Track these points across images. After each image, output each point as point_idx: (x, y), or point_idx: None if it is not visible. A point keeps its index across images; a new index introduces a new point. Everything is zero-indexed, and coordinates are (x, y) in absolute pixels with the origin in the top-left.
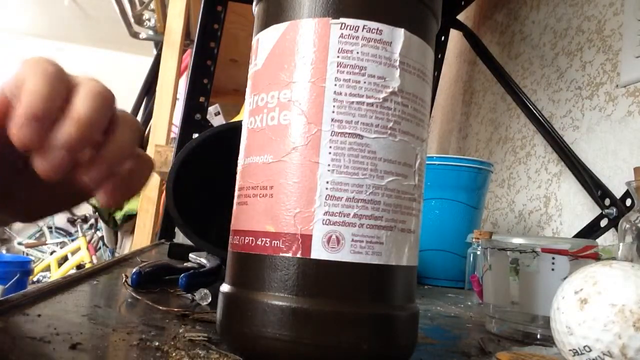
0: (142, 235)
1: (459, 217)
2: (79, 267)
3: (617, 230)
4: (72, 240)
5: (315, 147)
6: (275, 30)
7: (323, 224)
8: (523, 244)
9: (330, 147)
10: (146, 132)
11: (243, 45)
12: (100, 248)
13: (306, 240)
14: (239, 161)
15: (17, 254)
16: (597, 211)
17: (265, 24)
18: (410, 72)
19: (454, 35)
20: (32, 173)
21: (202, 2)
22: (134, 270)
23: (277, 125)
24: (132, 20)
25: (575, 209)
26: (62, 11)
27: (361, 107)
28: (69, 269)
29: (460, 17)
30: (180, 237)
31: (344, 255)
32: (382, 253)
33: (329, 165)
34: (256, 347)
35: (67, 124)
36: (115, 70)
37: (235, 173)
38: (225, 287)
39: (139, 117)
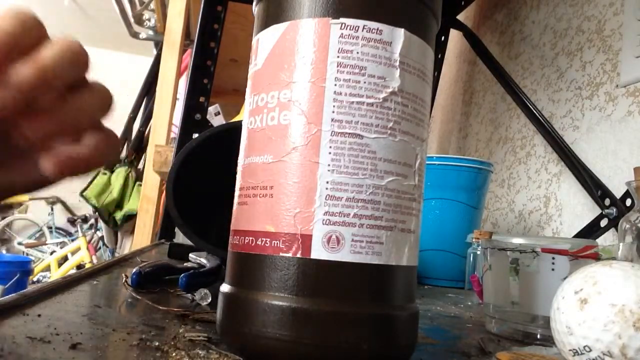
0: (142, 235)
1: (459, 217)
2: (79, 267)
3: (617, 230)
4: (72, 240)
5: (315, 147)
6: (275, 30)
7: (323, 224)
8: (523, 244)
9: (330, 147)
10: (146, 132)
11: (243, 45)
12: (100, 248)
13: (306, 240)
14: (239, 161)
15: (17, 254)
16: (597, 211)
17: (265, 24)
18: (410, 72)
19: (454, 35)
20: None
21: (202, 2)
22: (134, 270)
23: (277, 125)
24: (132, 20)
25: (575, 209)
26: (62, 11)
27: (361, 107)
28: (69, 269)
29: (460, 17)
30: (180, 237)
31: (344, 255)
32: (382, 253)
33: (329, 165)
34: (256, 347)
35: (27, 66)
36: (115, 70)
37: (235, 173)
38: (225, 287)
39: (139, 117)
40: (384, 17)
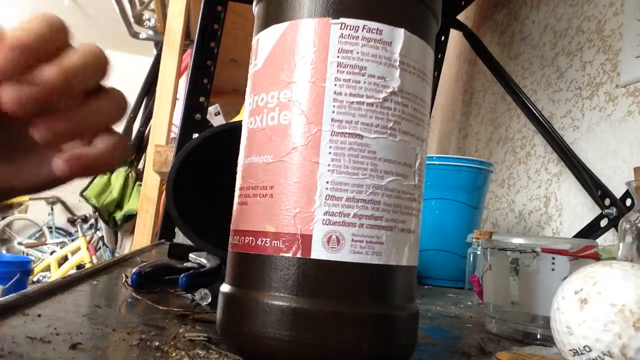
0: (142, 235)
1: (459, 217)
2: (79, 267)
3: (617, 230)
4: (72, 240)
5: (315, 147)
6: (275, 30)
7: (323, 224)
8: (523, 244)
9: (330, 147)
10: (146, 132)
11: (243, 45)
12: (100, 248)
13: (306, 240)
14: (239, 161)
15: (17, 254)
16: (597, 211)
17: (265, 24)
18: (410, 72)
19: (454, 35)
20: None
21: (202, 2)
22: (134, 270)
23: (277, 125)
24: (132, 20)
25: (575, 209)
26: (62, 11)
27: (361, 107)
28: (69, 269)
29: (460, 17)
30: (180, 237)
31: (344, 255)
32: (382, 253)
33: (329, 165)
34: (256, 347)
35: (52, 67)
36: (115, 70)
37: (235, 173)
38: (225, 287)
39: (139, 117)
40: (384, 17)
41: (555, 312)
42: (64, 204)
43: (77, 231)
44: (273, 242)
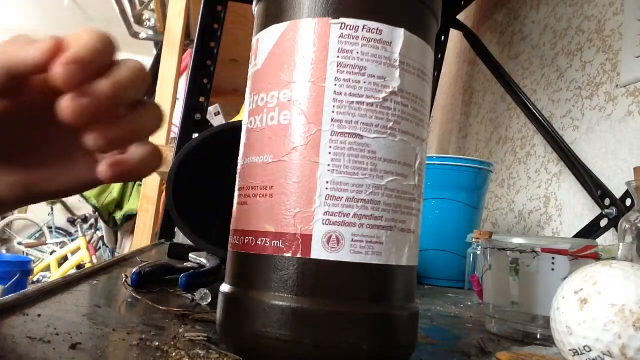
0: (142, 235)
1: (459, 217)
2: (79, 267)
3: (617, 230)
4: (72, 240)
5: (315, 147)
6: (275, 30)
7: (323, 224)
8: (523, 244)
9: (330, 147)
10: None
11: (243, 45)
12: (100, 248)
13: (306, 240)
14: (239, 161)
15: (17, 254)
16: (597, 211)
17: (265, 24)
18: (410, 72)
19: (454, 35)
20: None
21: (202, 2)
22: (134, 270)
23: (277, 125)
24: (132, 20)
25: (575, 209)
26: (62, 11)
27: (361, 107)
28: (69, 269)
29: (460, 17)
30: (180, 237)
31: (344, 255)
32: (382, 253)
33: (329, 165)
34: (256, 347)
35: (104, 81)
36: None
37: (235, 173)
38: (225, 287)
39: None
40: (384, 17)
41: (555, 312)
42: (64, 204)
43: (77, 231)
44: (273, 242)
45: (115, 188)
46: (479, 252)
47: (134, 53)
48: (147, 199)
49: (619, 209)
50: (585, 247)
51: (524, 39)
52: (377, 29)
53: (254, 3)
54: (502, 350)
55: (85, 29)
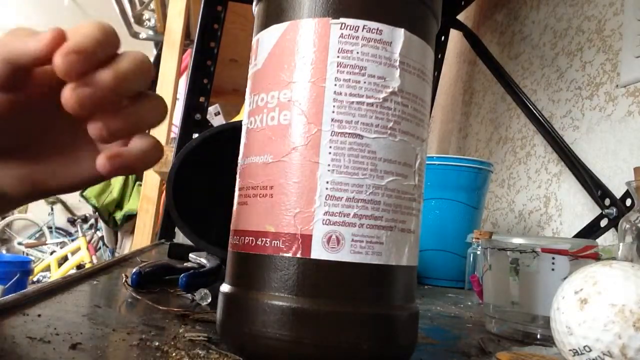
0: (142, 235)
1: (459, 217)
2: (79, 267)
3: (617, 230)
4: (72, 240)
5: (315, 147)
6: (275, 30)
7: (323, 224)
8: (523, 244)
9: (330, 147)
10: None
11: (243, 45)
12: (100, 248)
13: (306, 240)
14: (238, 161)
15: (17, 254)
16: (597, 211)
17: (265, 24)
18: (410, 72)
19: (454, 35)
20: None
21: (202, 2)
22: (134, 270)
23: (277, 125)
24: (132, 20)
25: (575, 209)
26: (62, 11)
27: (361, 107)
28: (69, 269)
29: (460, 17)
30: (180, 237)
31: (344, 255)
32: (382, 253)
33: (329, 165)
34: (256, 347)
35: (106, 71)
36: None
37: (235, 173)
38: (225, 287)
39: None
40: (384, 17)
41: (555, 312)
42: (64, 204)
43: (77, 231)
44: (273, 242)
45: (115, 188)
46: (479, 252)
47: None
48: (147, 199)
49: (619, 209)
50: (585, 247)
51: (524, 39)
52: (377, 29)
53: (254, 3)
54: (502, 350)
55: (89, 21)
